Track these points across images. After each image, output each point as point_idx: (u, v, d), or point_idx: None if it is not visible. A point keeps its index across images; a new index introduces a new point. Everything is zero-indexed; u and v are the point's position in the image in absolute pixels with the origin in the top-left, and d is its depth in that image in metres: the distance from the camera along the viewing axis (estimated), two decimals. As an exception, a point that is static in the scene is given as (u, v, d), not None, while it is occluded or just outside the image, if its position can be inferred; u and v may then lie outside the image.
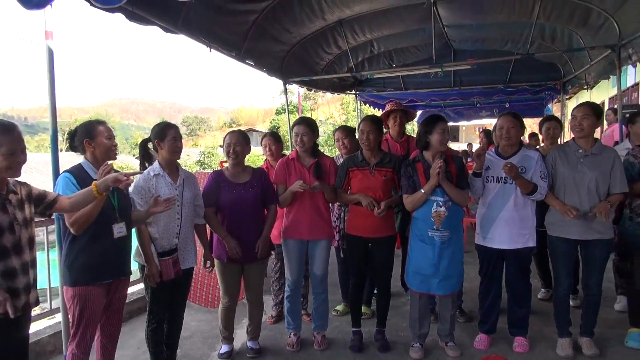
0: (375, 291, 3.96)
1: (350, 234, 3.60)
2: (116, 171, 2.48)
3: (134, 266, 3.06)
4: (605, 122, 8.24)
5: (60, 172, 2.71)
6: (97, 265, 2.64)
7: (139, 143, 3.31)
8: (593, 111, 3.31)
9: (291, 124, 3.72)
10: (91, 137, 2.70)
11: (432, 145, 3.33)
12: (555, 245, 3.45)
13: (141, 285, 3.87)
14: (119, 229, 2.71)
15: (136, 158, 3.31)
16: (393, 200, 3.48)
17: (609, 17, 4.93)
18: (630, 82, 13.55)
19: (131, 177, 2.45)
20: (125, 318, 4.16)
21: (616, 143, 5.30)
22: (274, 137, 4.23)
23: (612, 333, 3.70)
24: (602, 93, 15.55)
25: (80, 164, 2.72)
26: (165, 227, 3.02)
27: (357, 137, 3.90)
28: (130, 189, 2.97)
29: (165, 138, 3.01)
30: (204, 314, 4.41)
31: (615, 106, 6.49)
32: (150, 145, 3.18)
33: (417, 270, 3.39)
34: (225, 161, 3.58)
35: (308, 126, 3.55)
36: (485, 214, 3.52)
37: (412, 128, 14.60)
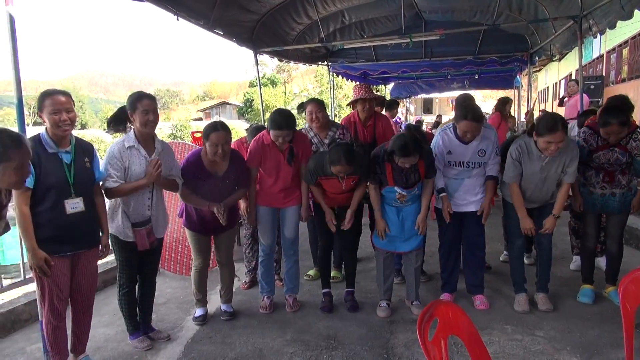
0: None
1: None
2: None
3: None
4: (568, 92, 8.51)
5: None
6: (50, 238, 2.57)
7: (115, 111, 3.08)
8: (566, 135, 3.25)
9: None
10: (40, 109, 2.58)
11: None
12: (510, 209, 3.62)
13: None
14: (73, 205, 2.62)
15: (107, 132, 3.15)
16: (356, 204, 3.63)
17: (572, -12, 5.06)
18: (595, 54, 13.89)
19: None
20: (100, 287, 4.23)
21: (578, 112, 5.53)
22: (319, 104, 3.95)
23: (566, 290, 3.94)
24: (570, 64, 15.86)
25: (39, 134, 2.61)
26: (137, 200, 3.02)
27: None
28: (102, 162, 2.92)
29: (136, 110, 2.90)
30: (178, 282, 4.50)
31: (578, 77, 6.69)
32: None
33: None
34: (198, 132, 3.60)
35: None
36: (447, 183, 3.63)
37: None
